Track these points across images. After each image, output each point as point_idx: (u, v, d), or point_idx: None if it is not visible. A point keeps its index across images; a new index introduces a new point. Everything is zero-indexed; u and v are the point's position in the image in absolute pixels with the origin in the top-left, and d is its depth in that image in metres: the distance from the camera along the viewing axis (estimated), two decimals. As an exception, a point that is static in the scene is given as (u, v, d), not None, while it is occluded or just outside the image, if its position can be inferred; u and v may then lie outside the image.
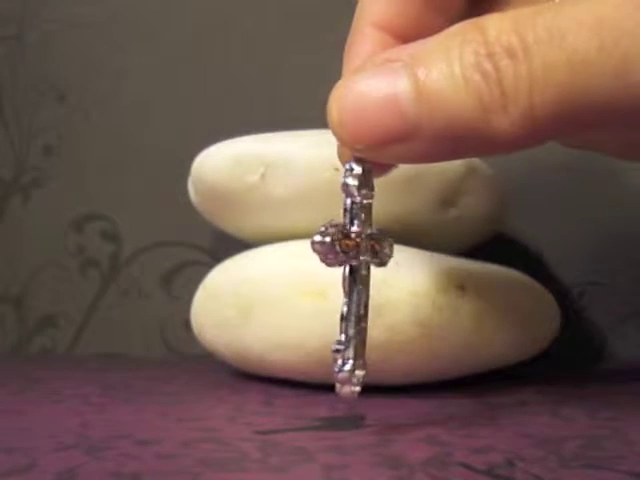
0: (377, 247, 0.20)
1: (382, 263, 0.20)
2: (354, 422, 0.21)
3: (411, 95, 0.17)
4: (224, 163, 0.28)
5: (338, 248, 0.19)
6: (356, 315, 0.19)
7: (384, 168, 0.20)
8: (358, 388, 0.19)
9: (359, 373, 0.19)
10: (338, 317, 0.19)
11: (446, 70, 0.16)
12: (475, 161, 0.28)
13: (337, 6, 0.35)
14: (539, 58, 0.16)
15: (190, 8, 0.38)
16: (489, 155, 0.18)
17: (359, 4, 0.21)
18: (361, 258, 0.19)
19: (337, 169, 0.26)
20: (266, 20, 0.37)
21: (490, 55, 0.16)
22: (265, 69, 0.37)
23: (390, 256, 0.20)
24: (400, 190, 0.26)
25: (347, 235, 0.19)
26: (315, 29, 0.36)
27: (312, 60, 0.35)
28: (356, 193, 0.19)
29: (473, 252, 0.29)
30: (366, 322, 0.19)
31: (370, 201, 0.19)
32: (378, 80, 0.17)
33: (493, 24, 0.16)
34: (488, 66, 0.16)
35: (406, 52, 0.17)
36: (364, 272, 0.19)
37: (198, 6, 0.38)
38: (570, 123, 0.16)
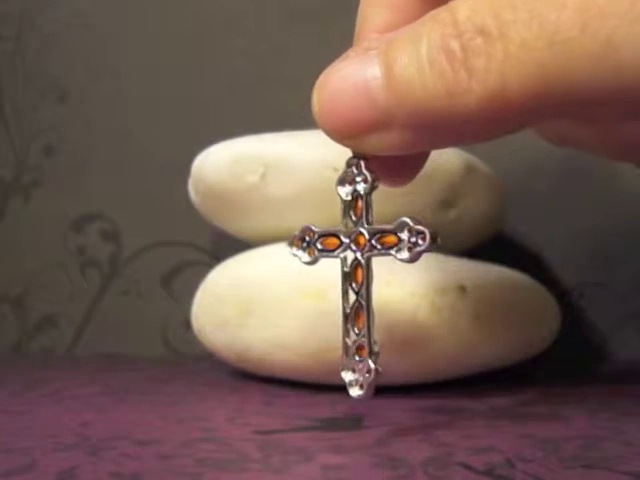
0: (400, 239, 0.18)
1: (401, 257, 0.18)
2: (354, 422, 0.21)
3: (381, 82, 0.16)
4: (224, 163, 0.28)
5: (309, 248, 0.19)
6: (345, 314, 0.19)
7: (393, 179, 0.20)
8: (359, 392, 0.19)
9: (366, 377, 0.19)
10: (341, 318, 0.19)
11: (413, 54, 0.16)
12: (475, 161, 0.28)
13: (337, 6, 0.35)
14: (517, 36, 0.15)
15: (190, 8, 0.38)
16: (471, 143, 0.17)
17: (359, 12, 0.20)
18: (342, 254, 0.19)
19: (337, 169, 0.26)
20: (266, 20, 0.37)
21: (458, 35, 0.15)
22: (265, 69, 0.37)
23: (418, 248, 0.18)
24: (400, 190, 0.26)
25: (330, 234, 0.19)
26: (315, 29, 0.36)
27: (312, 60, 0.35)
28: (340, 190, 0.19)
29: (473, 252, 0.29)
30: (369, 320, 0.19)
31: (348, 198, 0.19)
32: (353, 69, 0.17)
33: (467, 4, 0.16)
34: (455, 45, 0.15)
35: (384, 39, 0.17)
36: (349, 268, 0.19)
37: (198, 6, 0.38)
38: (547, 106, 0.15)
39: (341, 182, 0.19)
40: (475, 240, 0.30)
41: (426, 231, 0.18)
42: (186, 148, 0.31)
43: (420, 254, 0.18)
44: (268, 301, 0.26)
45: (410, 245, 0.18)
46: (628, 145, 0.22)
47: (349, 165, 0.19)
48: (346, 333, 0.19)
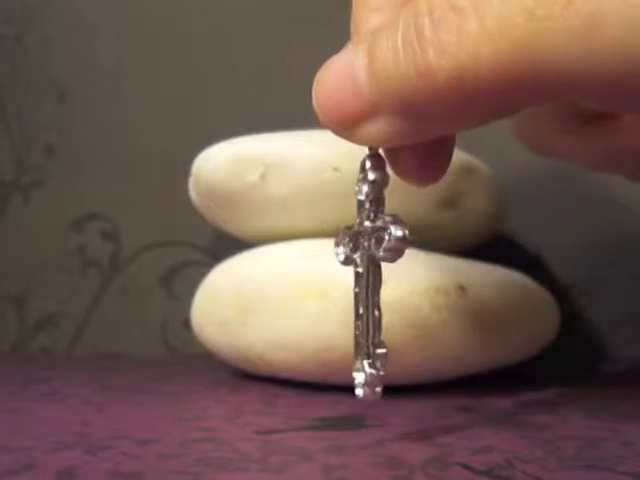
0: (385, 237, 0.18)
1: (376, 256, 0.18)
2: (354, 422, 0.21)
3: (365, 70, 0.16)
4: (224, 163, 0.28)
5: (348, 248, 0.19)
6: (356, 313, 0.19)
7: (418, 177, 0.19)
8: (360, 390, 0.19)
9: (370, 377, 0.19)
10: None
11: (390, 37, 0.16)
12: (475, 161, 0.28)
13: (337, 6, 0.35)
14: (493, 12, 0.14)
15: (190, 8, 0.38)
16: (457, 130, 0.17)
17: (353, 15, 0.19)
18: (354, 254, 0.19)
19: (336, 169, 0.26)
20: (266, 20, 0.37)
21: (429, 12, 0.15)
22: (265, 69, 0.37)
23: (387, 248, 0.18)
24: (400, 190, 0.26)
25: (357, 234, 0.19)
26: (315, 29, 0.36)
27: (312, 60, 0.35)
28: (356, 189, 0.19)
29: (473, 252, 0.29)
30: (368, 322, 0.19)
31: (360, 197, 0.19)
32: (345, 60, 0.17)
33: None
34: (425, 22, 0.15)
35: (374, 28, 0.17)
36: (360, 269, 0.19)
37: (198, 6, 0.38)
38: (523, 88, 0.15)
39: (359, 181, 0.19)
40: (475, 240, 0.30)
41: (391, 227, 0.18)
42: (186, 148, 0.31)
43: (395, 252, 0.18)
44: (268, 301, 0.26)
45: (391, 243, 0.18)
46: (612, 155, 0.22)
47: (363, 163, 0.19)
48: (359, 333, 0.19)
